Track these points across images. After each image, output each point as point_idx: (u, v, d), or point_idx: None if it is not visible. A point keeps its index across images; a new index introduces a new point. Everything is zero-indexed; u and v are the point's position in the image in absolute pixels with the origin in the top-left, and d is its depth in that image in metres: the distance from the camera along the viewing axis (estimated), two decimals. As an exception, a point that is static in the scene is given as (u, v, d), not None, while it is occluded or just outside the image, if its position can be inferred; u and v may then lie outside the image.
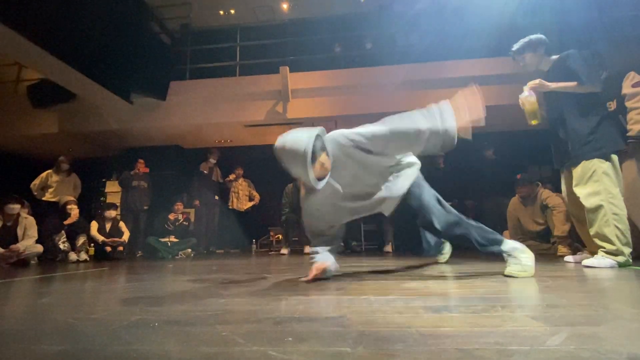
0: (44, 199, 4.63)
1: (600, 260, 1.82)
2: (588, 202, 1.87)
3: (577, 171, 1.94)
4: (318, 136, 1.32)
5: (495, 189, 4.43)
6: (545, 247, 3.11)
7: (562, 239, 2.88)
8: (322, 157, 1.30)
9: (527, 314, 0.80)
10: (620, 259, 1.79)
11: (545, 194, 3.12)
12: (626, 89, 2.22)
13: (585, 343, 0.58)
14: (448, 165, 5.08)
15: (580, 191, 1.92)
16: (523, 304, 0.91)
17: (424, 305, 0.93)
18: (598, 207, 1.84)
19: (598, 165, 1.86)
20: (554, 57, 2.09)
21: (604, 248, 1.84)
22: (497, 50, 4.70)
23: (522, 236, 3.26)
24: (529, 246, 3.22)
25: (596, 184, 1.85)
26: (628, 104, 2.21)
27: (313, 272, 1.40)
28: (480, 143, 4.87)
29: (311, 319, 0.82)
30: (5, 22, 3.11)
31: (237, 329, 0.74)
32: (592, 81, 1.88)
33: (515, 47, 2.14)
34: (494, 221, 4.43)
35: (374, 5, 5.78)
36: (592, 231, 1.89)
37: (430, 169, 4.97)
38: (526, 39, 2.10)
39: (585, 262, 1.88)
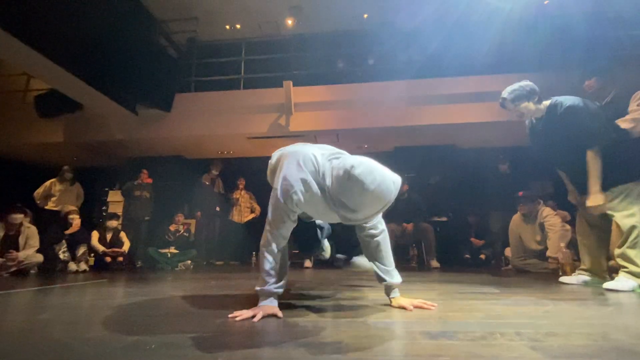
0: (46, 207, 4.66)
1: (623, 282, 1.80)
2: (622, 223, 1.88)
3: (613, 192, 1.95)
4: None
5: (498, 205, 4.41)
6: (546, 266, 3.08)
7: (555, 260, 2.86)
8: None
9: (525, 342, 0.80)
10: None
11: (546, 212, 3.11)
12: (632, 106, 2.22)
13: (583, 378, 0.58)
14: (450, 181, 5.08)
15: (615, 212, 1.93)
16: (522, 331, 0.90)
17: (422, 330, 0.93)
18: (632, 228, 1.85)
19: (632, 187, 1.90)
20: (545, 102, 2.10)
21: (627, 268, 1.84)
22: (497, 67, 4.77)
23: (524, 254, 3.23)
24: (531, 265, 3.23)
25: (631, 205, 1.88)
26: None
27: (260, 314, 1.09)
28: (491, 158, 4.85)
29: (308, 344, 0.82)
30: (14, 34, 3.19)
31: (233, 355, 0.74)
32: (602, 136, 1.93)
33: (507, 95, 2.10)
34: (496, 237, 4.41)
35: (376, 22, 5.89)
36: (617, 251, 1.90)
37: (422, 185, 4.98)
38: (517, 87, 2.08)
39: (606, 285, 1.85)
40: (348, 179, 0.98)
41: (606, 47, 4.69)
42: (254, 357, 0.72)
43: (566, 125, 1.98)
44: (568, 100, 1.99)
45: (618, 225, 1.91)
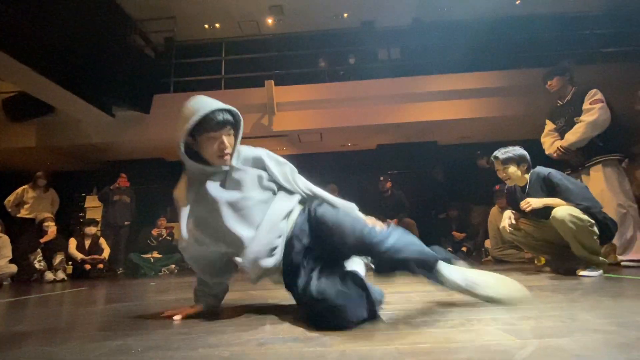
0: (19, 215, 4.46)
1: (594, 270, 1.87)
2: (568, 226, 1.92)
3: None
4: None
5: (478, 199, 4.56)
6: (523, 255, 3.21)
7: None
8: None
9: (500, 327, 0.84)
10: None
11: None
12: (585, 105, 2.37)
13: (551, 355, 0.62)
14: (429, 177, 5.19)
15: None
16: (497, 317, 0.95)
17: (405, 321, 0.96)
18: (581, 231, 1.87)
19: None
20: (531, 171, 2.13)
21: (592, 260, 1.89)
22: (475, 66, 4.92)
23: (503, 245, 3.36)
24: (509, 255, 3.35)
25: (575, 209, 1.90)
26: (580, 118, 2.37)
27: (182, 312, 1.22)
28: (472, 153, 4.98)
29: (295, 339, 0.83)
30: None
31: (221, 353, 0.74)
32: (589, 201, 1.89)
33: (500, 155, 2.12)
34: (477, 230, 4.56)
35: (357, 21, 5.96)
36: (576, 253, 1.93)
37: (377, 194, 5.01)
38: (510, 150, 2.09)
39: (579, 272, 1.91)
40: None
41: (572, 45, 4.96)
42: (242, 354, 0.73)
43: (548, 189, 1.99)
44: (547, 169, 2.04)
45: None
